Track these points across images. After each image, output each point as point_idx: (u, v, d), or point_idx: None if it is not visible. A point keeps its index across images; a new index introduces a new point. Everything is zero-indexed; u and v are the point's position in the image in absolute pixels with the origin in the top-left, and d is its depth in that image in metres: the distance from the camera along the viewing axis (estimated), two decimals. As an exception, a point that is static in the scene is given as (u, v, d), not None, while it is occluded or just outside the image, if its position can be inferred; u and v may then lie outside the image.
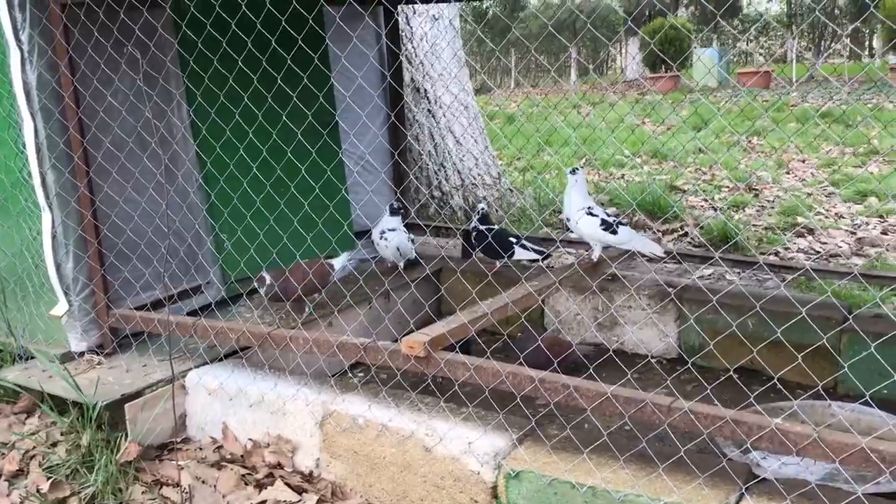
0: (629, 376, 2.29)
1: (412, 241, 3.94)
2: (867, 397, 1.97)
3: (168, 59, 3.14)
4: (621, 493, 2.05)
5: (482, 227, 3.78)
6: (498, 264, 3.80)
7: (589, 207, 3.18)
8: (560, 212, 6.11)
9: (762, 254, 5.06)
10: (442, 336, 2.44)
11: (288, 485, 2.54)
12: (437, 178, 5.61)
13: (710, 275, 4.64)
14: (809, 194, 6.57)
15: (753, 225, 5.72)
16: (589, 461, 2.15)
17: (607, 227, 3.13)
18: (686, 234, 5.46)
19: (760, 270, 3.98)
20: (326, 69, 3.73)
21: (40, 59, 2.87)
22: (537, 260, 3.65)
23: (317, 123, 3.45)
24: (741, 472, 2.05)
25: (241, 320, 3.18)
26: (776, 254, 5.05)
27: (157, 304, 3.25)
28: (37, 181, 2.95)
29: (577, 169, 3.26)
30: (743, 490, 1.98)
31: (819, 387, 2.17)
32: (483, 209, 3.88)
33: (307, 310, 3.31)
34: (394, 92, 4.34)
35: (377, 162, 4.40)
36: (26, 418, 2.96)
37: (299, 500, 2.49)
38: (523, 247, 3.74)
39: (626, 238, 3.13)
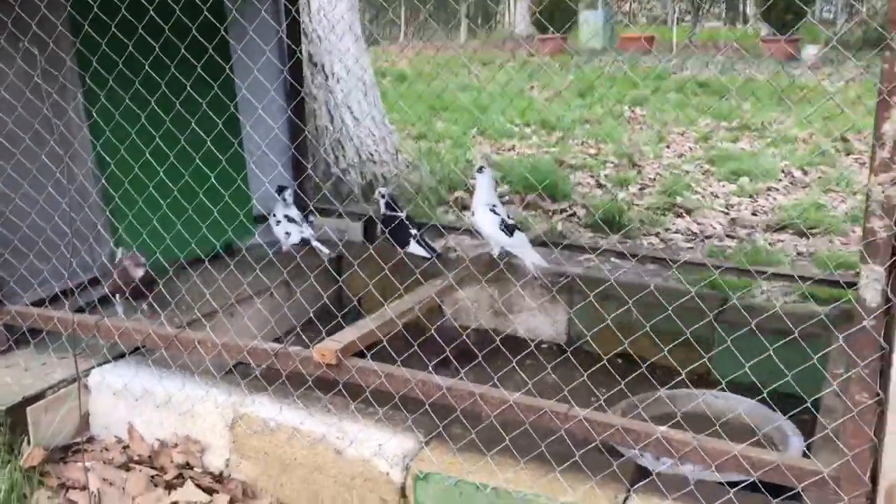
0: (514, 363, 2.45)
1: (311, 224, 3.98)
2: (723, 385, 2.20)
3: (67, 55, 3.05)
4: (522, 493, 2.22)
5: (389, 213, 3.83)
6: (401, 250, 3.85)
7: (493, 205, 3.31)
8: (455, 189, 6.26)
9: (645, 235, 5.37)
10: (353, 343, 2.53)
11: (198, 485, 2.60)
12: (335, 155, 5.63)
13: (599, 257, 4.90)
14: (688, 172, 6.95)
15: (636, 204, 6.02)
16: (492, 463, 2.31)
17: (505, 227, 3.27)
18: (574, 214, 5.71)
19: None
20: (224, 59, 3.69)
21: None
22: (429, 259, 3.72)
23: (214, 115, 3.43)
24: (629, 472, 2.25)
25: (143, 318, 3.15)
26: (657, 235, 5.36)
27: (55, 299, 3.18)
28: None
29: (483, 168, 3.38)
30: (630, 490, 2.19)
31: (683, 375, 2.37)
32: (386, 193, 3.89)
33: (119, 310, 3.27)
34: (295, 72, 4.30)
35: (277, 147, 4.38)
36: (-83, 420, 2.88)
37: (210, 501, 2.55)
38: (419, 242, 3.80)
39: (519, 243, 3.28)
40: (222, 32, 3.11)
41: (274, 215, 3.91)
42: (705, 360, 3.07)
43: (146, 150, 3.11)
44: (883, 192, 1.73)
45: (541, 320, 3.80)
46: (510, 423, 2.29)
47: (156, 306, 3.14)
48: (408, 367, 2.44)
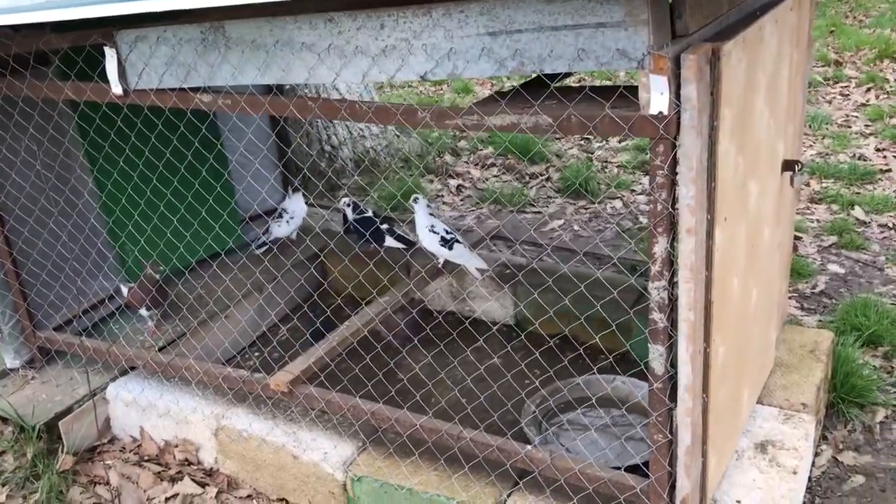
0: (468, 351, 3.08)
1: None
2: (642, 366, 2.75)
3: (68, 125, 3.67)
4: (428, 493, 2.88)
5: (356, 218, 4.39)
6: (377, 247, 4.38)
7: (431, 226, 3.85)
8: (442, 154, 6.74)
9: (609, 199, 5.84)
10: (308, 369, 3.17)
11: (193, 480, 3.33)
12: (326, 133, 6.15)
13: (559, 227, 5.42)
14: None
15: (610, 162, 6.45)
16: (405, 470, 2.96)
17: (445, 243, 3.82)
18: (549, 179, 6.18)
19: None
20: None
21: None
22: (408, 250, 4.28)
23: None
24: (516, 470, 2.87)
25: (142, 341, 3.83)
26: (621, 198, 5.82)
27: (84, 312, 3.89)
28: (-42, 237, 3.50)
29: (417, 198, 3.91)
30: (519, 484, 2.82)
31: (611, 358, 2.94)
32: (348, 202, 4.42)
33: (149, 321, 3.92)
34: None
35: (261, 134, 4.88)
36: (-25, 428, 3.64)
37: (203, 492, 3.28)
38: (393, 236, 4.35)
39: (459, 254, 3.83)
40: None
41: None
42: (627, 347, 3.67)
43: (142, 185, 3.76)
44: (658, 294, 2.26)
45: (493, 305, 4.39)
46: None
47: (170, 312, 3.89)
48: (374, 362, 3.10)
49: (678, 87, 2.05)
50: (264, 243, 4.52)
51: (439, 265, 3.95)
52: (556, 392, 3.57)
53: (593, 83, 7.21)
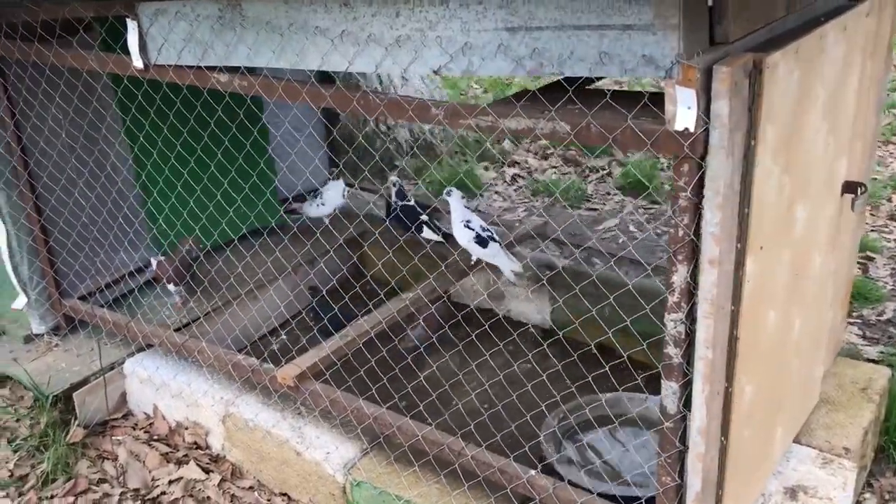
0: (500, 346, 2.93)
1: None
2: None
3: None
4: (428, 506, 2.74)
5: (400, 202, 4.25)
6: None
7: (467, 221, 3.68)
8: (500, 141, 6.54)
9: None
10: (314, 365, 3.06)
11: (199, 465, 3.27)
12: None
13: (611, 228, 5.16)
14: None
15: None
16: (405, 477, 2.82)
17: (480, 240, 3.64)
18: (610, 174, 5.91)
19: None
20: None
21: (-19, 104, 3.34)
22: (442, 243, 4.14)
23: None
24: (518, 495, 2.71)
25: (167, 316, 3.78)
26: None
27: (108, 286, 3.87)
28: (-10, 202, 3.50)
29: (451, 191, 3.74)
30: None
31: (639, 379, 2.71)
32: (395, 181, 4.29)
33: (176, 297, 3.87)
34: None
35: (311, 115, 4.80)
36: (-1, 390, 3.66)
37: (206, 479, 3.22)
38: (431, 228, 4.21)
39: (493, 253, 3.65)
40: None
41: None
42: (658, 368, 3.43)
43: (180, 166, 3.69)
44: (675, 327, 2.05)
45: (529, 306, 4.20)
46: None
47: (195, 289, 3.80)
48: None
49: (708, 101, 1.83)
50: (294, 211, 4.52)
51: (471, 262, 3.77)
52: (579, 408, 3.37)
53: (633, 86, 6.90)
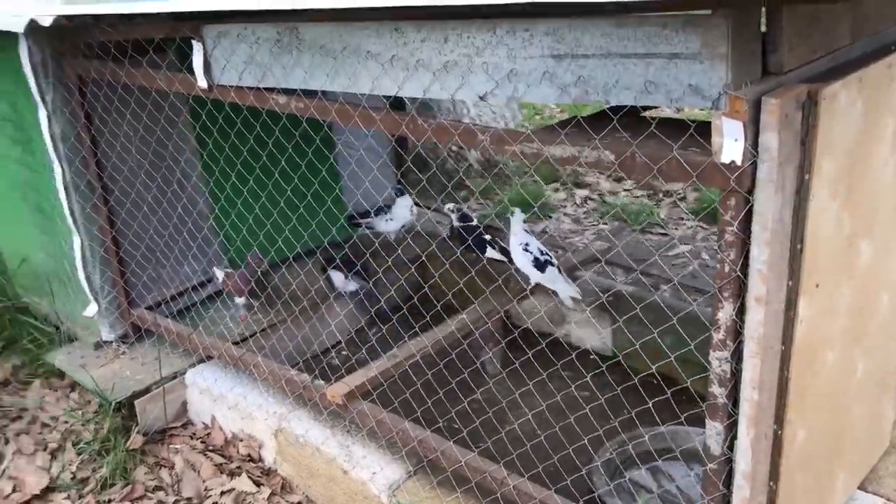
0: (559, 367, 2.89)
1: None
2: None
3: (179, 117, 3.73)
4: (469, 535, 2.71)
5: (461, 226, 4.27)
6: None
7: (526, 244, 3.64)
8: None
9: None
10: (361, 385, 3.07)
11: (251, 477, 3.32)
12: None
13: (681, 254, 5.03)
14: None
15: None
16: (446, 502, 2.80)
17: (538, 264, 3.60)
18: (684, 199, 5.77)
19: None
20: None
21: (61, 117, 3.49)
22: (504, 262, 4.11)
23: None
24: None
25: (233, 328, 3.86)
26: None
27: (173, 297, 3.98)
28: (66, 211, 3.64)
29: (515, 211, 3.71)
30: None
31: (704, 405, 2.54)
32: (454, 208, 4.31)
33: (242, 309, 3.97)
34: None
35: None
36: (69, 392, 3.80)
37: (257, 492, 3.26)
38: (496, 248, 4.19)
39: (551, 278, 3.60)
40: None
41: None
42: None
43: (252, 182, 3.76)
44: (720, 365, 1.97)
45: (588, 331, 4.13)
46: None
47: (265, 302, 3.93)
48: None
49: (757, 133, 1.76)
50: (359, 224, 4.59)
51: (529, 286, 3.73)
52: (623, 443, 3.27)
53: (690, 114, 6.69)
